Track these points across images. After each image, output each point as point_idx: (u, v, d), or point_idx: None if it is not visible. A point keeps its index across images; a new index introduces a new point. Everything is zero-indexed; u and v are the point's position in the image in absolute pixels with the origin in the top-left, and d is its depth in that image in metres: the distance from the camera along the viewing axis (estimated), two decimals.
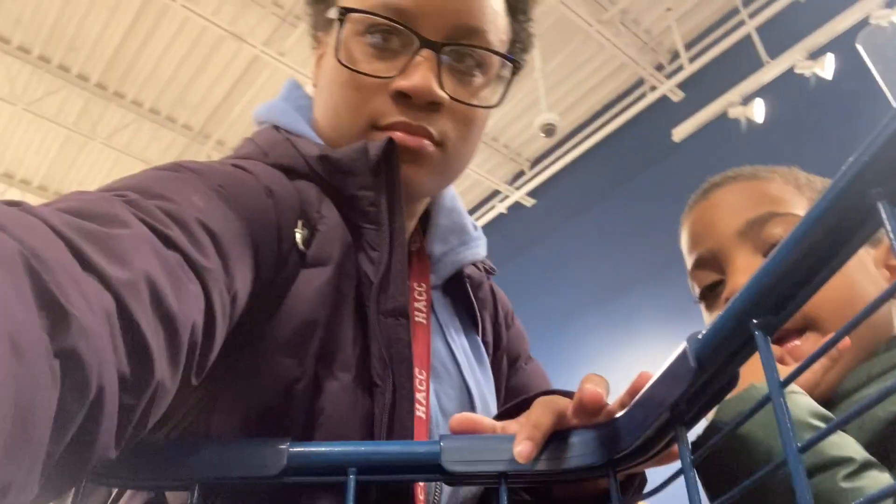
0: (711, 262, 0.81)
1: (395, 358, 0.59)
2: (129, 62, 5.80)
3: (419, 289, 0.71)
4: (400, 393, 0.58)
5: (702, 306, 0.84)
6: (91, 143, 6.22)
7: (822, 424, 0.51)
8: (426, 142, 0.65)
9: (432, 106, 0.64)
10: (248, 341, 0.55)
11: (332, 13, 0.68)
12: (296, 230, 0.58)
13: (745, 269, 0.75)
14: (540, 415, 0.51)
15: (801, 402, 0.54)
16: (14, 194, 6.74)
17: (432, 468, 0.49)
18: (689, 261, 0.86)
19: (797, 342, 0.69)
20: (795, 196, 0.80)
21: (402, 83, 0.63)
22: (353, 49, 0.66)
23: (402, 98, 0.64)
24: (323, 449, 0.49)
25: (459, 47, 0.66)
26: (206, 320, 0.44)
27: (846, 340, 0.64)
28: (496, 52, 0.68)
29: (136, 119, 6.22)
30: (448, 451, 0.49)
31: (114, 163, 6.60)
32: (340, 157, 0.63)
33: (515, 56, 0.73)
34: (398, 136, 0.63)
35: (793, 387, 0.56)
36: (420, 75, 0.63)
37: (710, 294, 0.82)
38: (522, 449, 0.48)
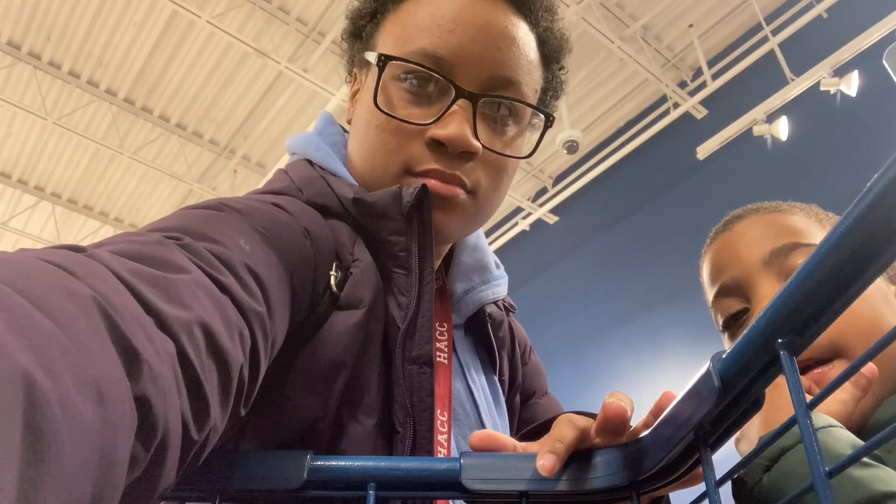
0: (736, 291, 0.80)
1: (418, 406, 0.59)
2: (156, 77, 5.90)
3: (441, 328, 0.72)
4: (420, 443, 0.58)
5: (725, 336, 0.83)
6: (119, 157, 6.32)
7: (866, 459, 0.50)
8: (459, 190, 0.66)
9: (466, 155, 0.65)
10: (274, 377, 0.55)
11: (372, 57, 0.68)
12: (331, 272, 0.59)
13: (770, 296, 0.75)
14: (563, 430, 0.50)
15: (841, 435, 0.53)
16: (44, 207, 6.86)
17: (452, 485, 0.49)
18: (710, 291, 0.85)
19: (824, 368, 0.69)
20: (817, 229, 0.80)
21: (439, 132, 0.64)
22: (390, 93, 0.67)
23: (438, 146, 0.65)
24: (343, 463, 0.49)
25: (495, 98, 0.67)
26: (252, 362, 0.46)
27: (874, 368, 0.63)
28: (531, 105, 0.70)
29: (164, 133, 6.31)
30: (468, 469, 0.49)
31: (141, 177, 6.69)
32: (374, 201, 0.63)
33: (548, 105, 0.75)
34: (432, 183, 0.64)
35: (831, 420, 0.55)
36: (456, 125, 0.64)
37: (733, 323, 0.81)
38: (545, 462, 0.46)
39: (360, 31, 0.74)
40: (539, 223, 6.30)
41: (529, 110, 0.70)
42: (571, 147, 4.52)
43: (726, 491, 0.42)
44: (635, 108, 6.06)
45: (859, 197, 0.29)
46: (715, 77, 5.08)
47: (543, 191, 6.68)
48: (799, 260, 0.75)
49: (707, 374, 0.38)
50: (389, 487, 0.48)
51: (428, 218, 0.63)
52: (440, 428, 0.63)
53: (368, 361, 0.60)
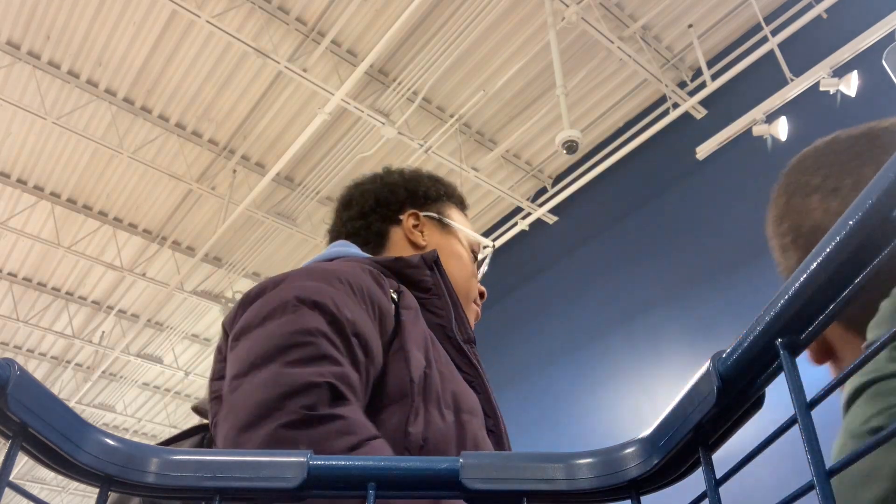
0: None
1: (477, 366, 1.01)
2: (156, 77, 5.90)
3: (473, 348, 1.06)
4: (478, 381, 0.99)
5: None
6: (118, 156, 6.32)
7: None
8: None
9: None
10: (399, 346, 0.89)
11: (477, 240, 1.25)
12: (392, 293, 0.96)
13: None
14: None
15: None
16: (43, 207, 6.86)
17: (452, 485, 0.49)
18: None
19: None
20: None
21: (483, 291, 1.22)
22: (463, 243, 1.22)
23: (481, 296, 1.21)
24: (343, 462, 0.49)
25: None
26: (366, 378, 0.83)
27: None
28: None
29: (163, 133, 6.32)
30: (468, 468, 0.49)
31: (140, 177, 6.69)
32: (410, 259, 1.04)
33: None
34: (478, 311, 1.20)
35: None
36: (484, 291, 1.22)
37: None
38: None
39: (433, 193, 1.23)
40: (538, 223, 6.30)
41: None
42: (571, 147, 4.52)
43: (726, 491, 0.42)
44: (635, 108, 6.06)
45: (859, 197, 0.29)
46: (714, 77, 5.09)
47: (543, 191, 6.69)
48: None
49: (707, 374, 0.38)
50: (389, 487, 0.48)
51: (444, 269, 1.07)
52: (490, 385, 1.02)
53: (438, 338, 0.97)
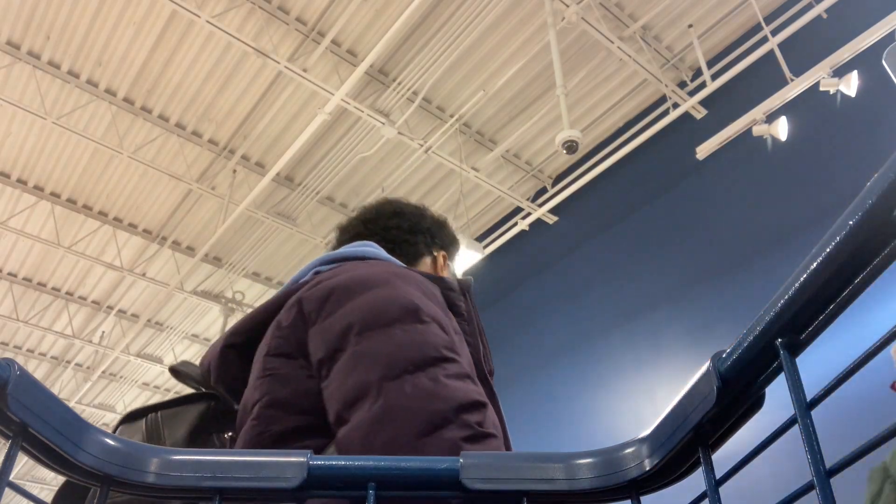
0: None
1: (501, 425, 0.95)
2: (156, 77, 5.90)
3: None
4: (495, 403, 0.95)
5: None
6: (118, 156, 6.32)
7: None
8: None
9: None
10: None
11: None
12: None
13: None
14: None
15: None
16: (43, 207, 6.86)
17: (452, 485, 0.49)
18: None
19: None
20: None
21: None
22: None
23: None
24: (343, 462, 0.49)
25: None
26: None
27: None
28: None
29: (163, 133, 6.31)
30: (468, 468, 0.49)
31: (140, 177, 6.69)
32: (449, 280, 1.05)
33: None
34: None
35: None
36: None
37: None
38: None
39: (446, 234, 1.32)
40: (539, 223, 6.30)
41: None
42: (571, 147, 4.52)
43: (726, 491, 0.42)
44: (635, 108, 6.06)
45: (859, 197, 0.29)
46: (714, 77, 5.09)
47: (543, 191, 6.69)
48: None
49: (707, 374, 0.38)
50: (389, 487, 0.48)
51: (473, 296, 1.09)
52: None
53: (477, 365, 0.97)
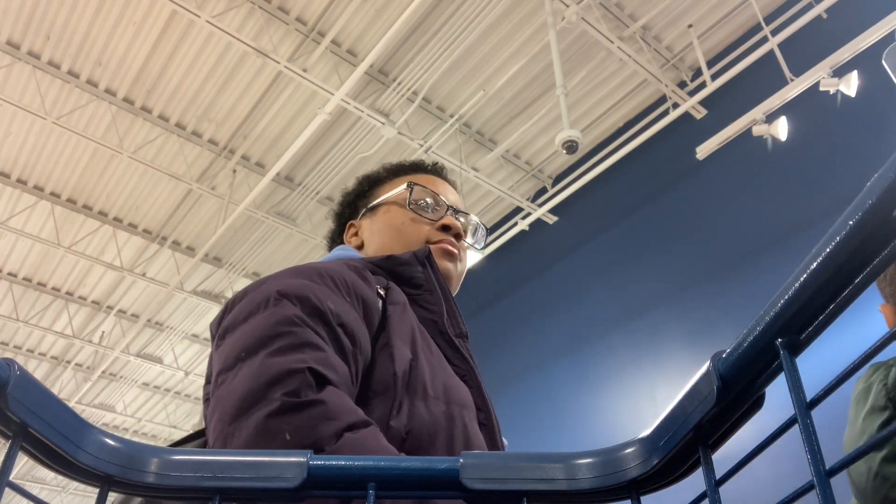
0: None
1: (468, 359, 1.00)
2: (156, 77, 5.90)
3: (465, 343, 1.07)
4: (470, 374, 0.98)
5: None
6: (118, 156, 6.32)
7: None
8: (457, 250, 1.17)
9: (458, 235, 1.18)
10: (386, 340, 0.91)
11: (401, 184, 1.22)
12: (379, 289, 0.98)
13: None
14: None
15: None
16: (43, 207, 6.86)
17: (452, 485, 0.49)
18: None
19: None
20: None
21: (446, 222, 1.18)
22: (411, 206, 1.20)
23: (445, 229, 1.17)
24: (343, 462, 0.49)
25: (462, 213, 1.25)
26: (355, 367, 0.84)
27: None
28: (473, 216, 1.30)
29: (163, 133, 6.31)
30: (468, 468, 0.49)
31: (140, 177, 6.70)
32: (400, 256, 1.07)
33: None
34: (447, 245, 1.15)
35: None
36: (453, 221, 1.19)
37: None
38: None
39: (367, 191, 1.26)
40: (539, 223, 6.30)
41: (474, 220, 1.30)
42: (571, 147, 4.52)
43: (726, 491, 0.42)
44: (635, 109, 6.06)
45: (859, 197, 0.29)
46: (714, 77, 5.09)
47: (543, 191, 6.69)
48: None
49: (707, 374, 0.38)
50: (389, 487, 0.48)
51: (434, 264, 1.08)
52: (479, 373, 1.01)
53: (431, 333, 0.99)
